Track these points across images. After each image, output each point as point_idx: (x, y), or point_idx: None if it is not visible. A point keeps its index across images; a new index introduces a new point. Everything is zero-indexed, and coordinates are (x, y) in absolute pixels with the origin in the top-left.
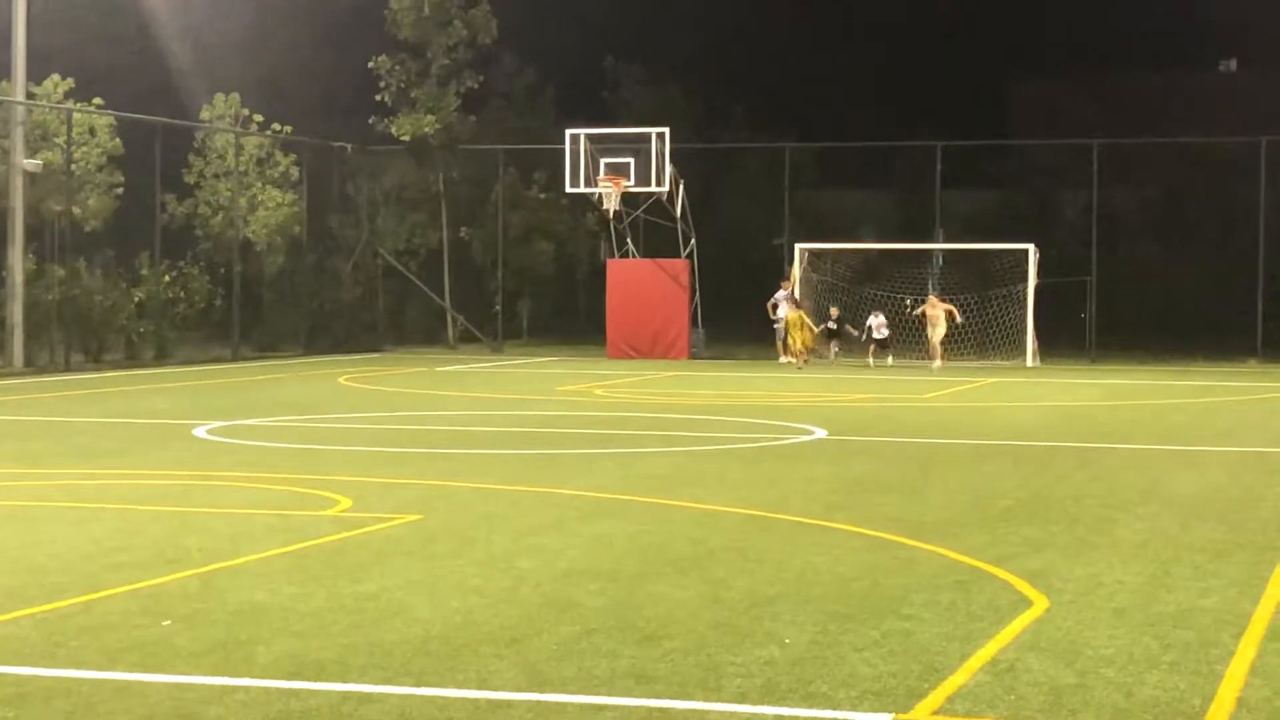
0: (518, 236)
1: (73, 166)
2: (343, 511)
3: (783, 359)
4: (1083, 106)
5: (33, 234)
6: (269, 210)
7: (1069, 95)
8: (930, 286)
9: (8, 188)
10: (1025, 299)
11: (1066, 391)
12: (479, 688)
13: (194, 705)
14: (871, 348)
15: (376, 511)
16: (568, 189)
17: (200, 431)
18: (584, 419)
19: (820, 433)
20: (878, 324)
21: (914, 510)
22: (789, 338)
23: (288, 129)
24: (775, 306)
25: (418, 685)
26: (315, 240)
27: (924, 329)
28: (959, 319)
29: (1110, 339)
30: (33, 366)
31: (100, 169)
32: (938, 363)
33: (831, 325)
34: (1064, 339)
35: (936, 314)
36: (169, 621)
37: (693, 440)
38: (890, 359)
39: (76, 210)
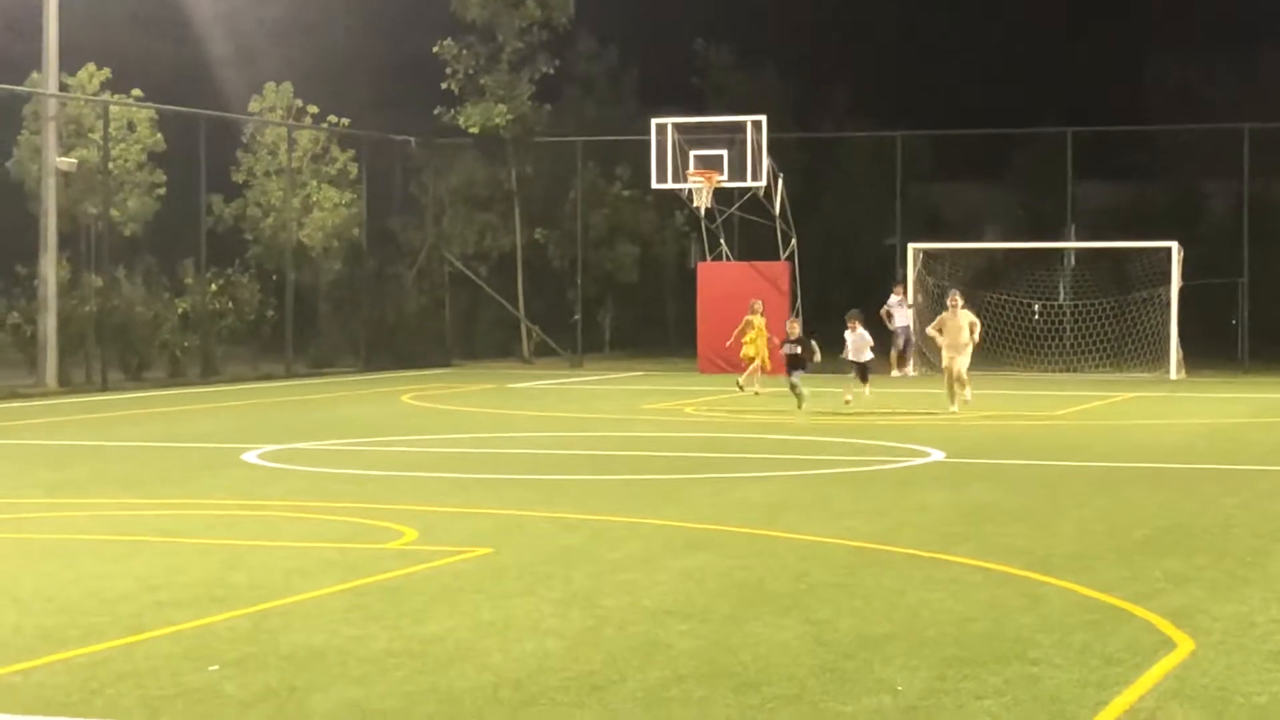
0: (599, 238)
1: (110, 165)
2: (407, 544)
3: (894, 372)
4: (1230, 87)
5: (67, 240)
6: (325, 211)
7: (1214, 75)
8: (1061, 291)
9: (40, 189)
10: (1168, 303)
11: (1214, 407)
12: None
13: None
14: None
15: (443, 544)
16: (654, 185)
17: (250, 456)
18: (673, 441)
19: (936, 454)
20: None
21: (1042, 541)
22: (744, 350)
23: (345, 122)
24: (890, 315)
25: None
26: (376, 244)
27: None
28: (977, 336)
29: (1265, 347)
30: (67, 385)
31: (140, 167)
32: (968, 393)
33: (793, 344)
34: (1212, 348)
35: (959, 324)
36: (216, 666)
37: (793, 464)
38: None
39: (114, 213)
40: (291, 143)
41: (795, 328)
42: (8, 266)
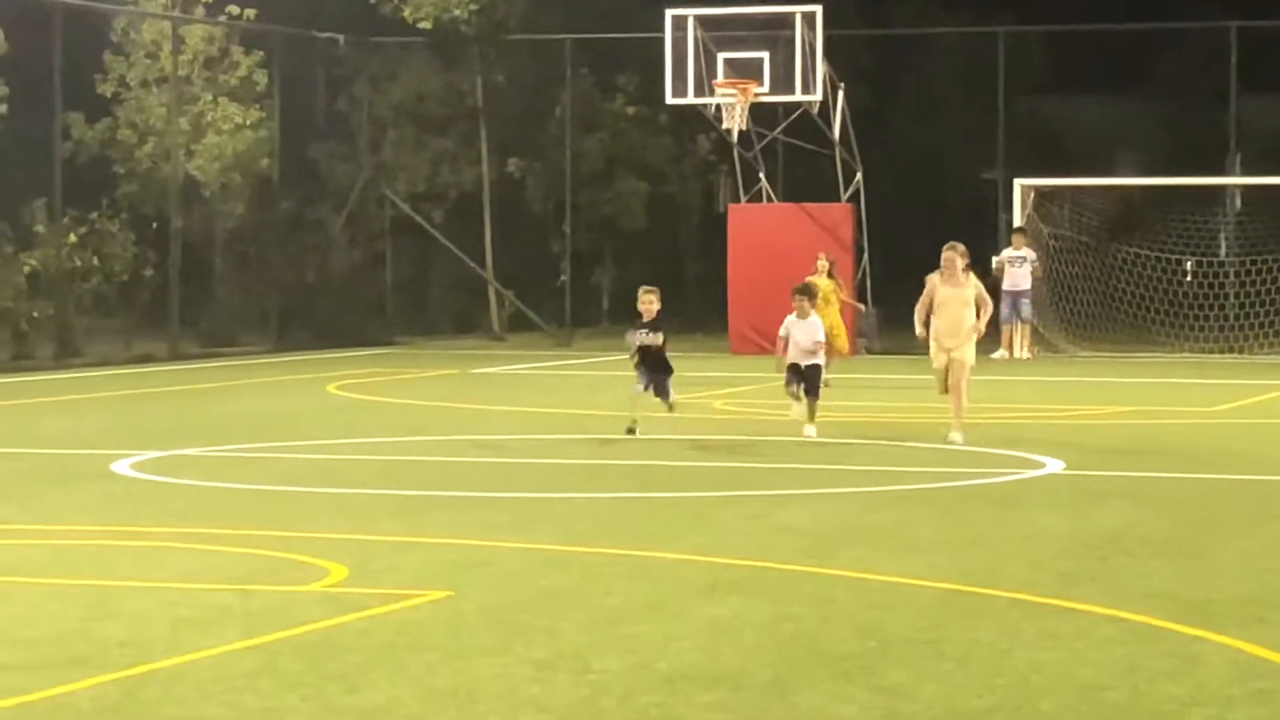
0: (594, 172)
1: None
2: (334, 585)
3: (997, 354)
4: None
5: None
6: (223, 135)
7: None
8: (1222, 243)
9: None
10: None
11: None
12: None
13: None
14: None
15: (383, 586)
16: (669, 99)
17: (121, 466)
18: (696, 446)
19: (1054, 464)
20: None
21: (1196, 582)
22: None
23: (250, 14)
24: (1000, 270)
25: None
26: (292, 180)
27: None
28: (983, 322)
29: None
30: None
31: None
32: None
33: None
34: None
35: (962, 297)
36: None
37: (858, 477)
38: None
39: None
40: (177, 42)
41: (651, 302)
42: None
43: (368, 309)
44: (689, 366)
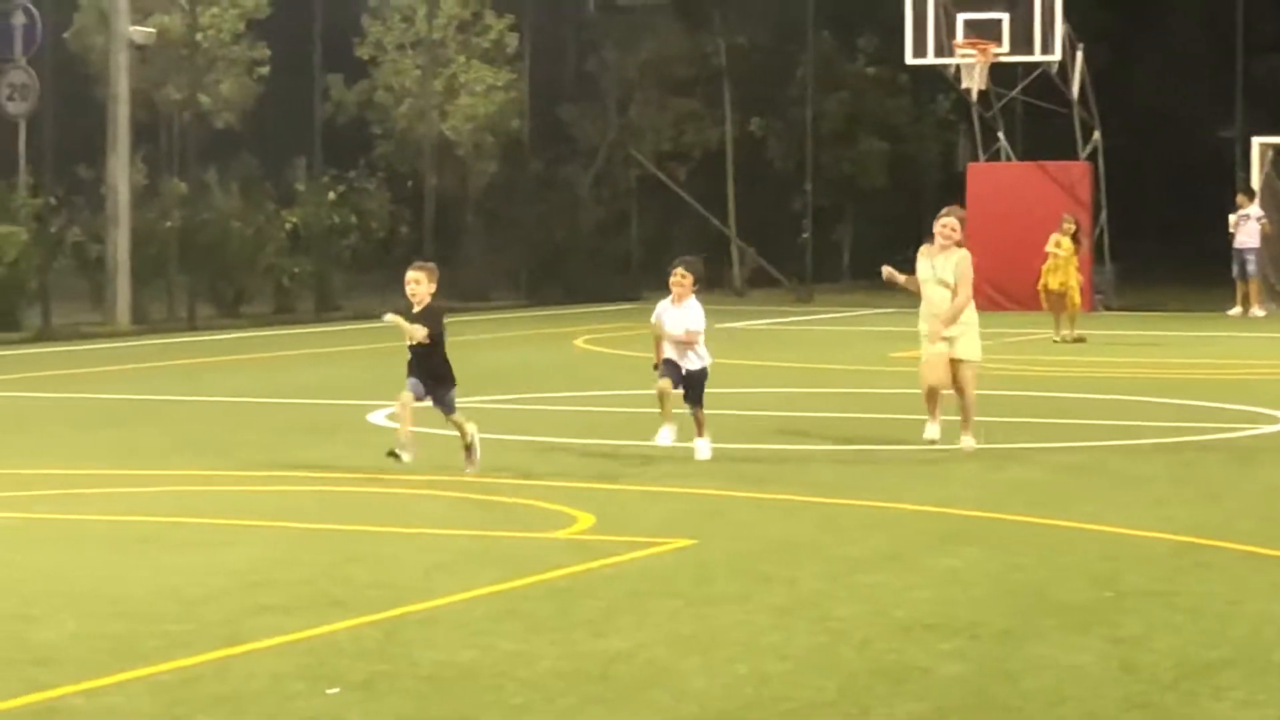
0: (836, 131)
1: (198, 36)
2: (581, 533)
3: (1232, 311)
4: None
5: (144, 134)
6: (475, 97)
7: None
8: None
9: (108, 68)
10: None
11: None
12: None
13: None
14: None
15: (628, 534)
16: (908, 60)
17: (377, 417)
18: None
19: None
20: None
21: None
22: (1043, 280)
23: None
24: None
25: None
26: (542, 140)
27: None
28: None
29: None
30: (144, 323)
31: (237, 39)
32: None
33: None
34: None
35: (947, 273)
36: (337, 689)
37: (1093, 432)
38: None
39: (203, 99)
40: (432, 6)
41: (419, 282)
42: (67, 169)
43: (614, 265)
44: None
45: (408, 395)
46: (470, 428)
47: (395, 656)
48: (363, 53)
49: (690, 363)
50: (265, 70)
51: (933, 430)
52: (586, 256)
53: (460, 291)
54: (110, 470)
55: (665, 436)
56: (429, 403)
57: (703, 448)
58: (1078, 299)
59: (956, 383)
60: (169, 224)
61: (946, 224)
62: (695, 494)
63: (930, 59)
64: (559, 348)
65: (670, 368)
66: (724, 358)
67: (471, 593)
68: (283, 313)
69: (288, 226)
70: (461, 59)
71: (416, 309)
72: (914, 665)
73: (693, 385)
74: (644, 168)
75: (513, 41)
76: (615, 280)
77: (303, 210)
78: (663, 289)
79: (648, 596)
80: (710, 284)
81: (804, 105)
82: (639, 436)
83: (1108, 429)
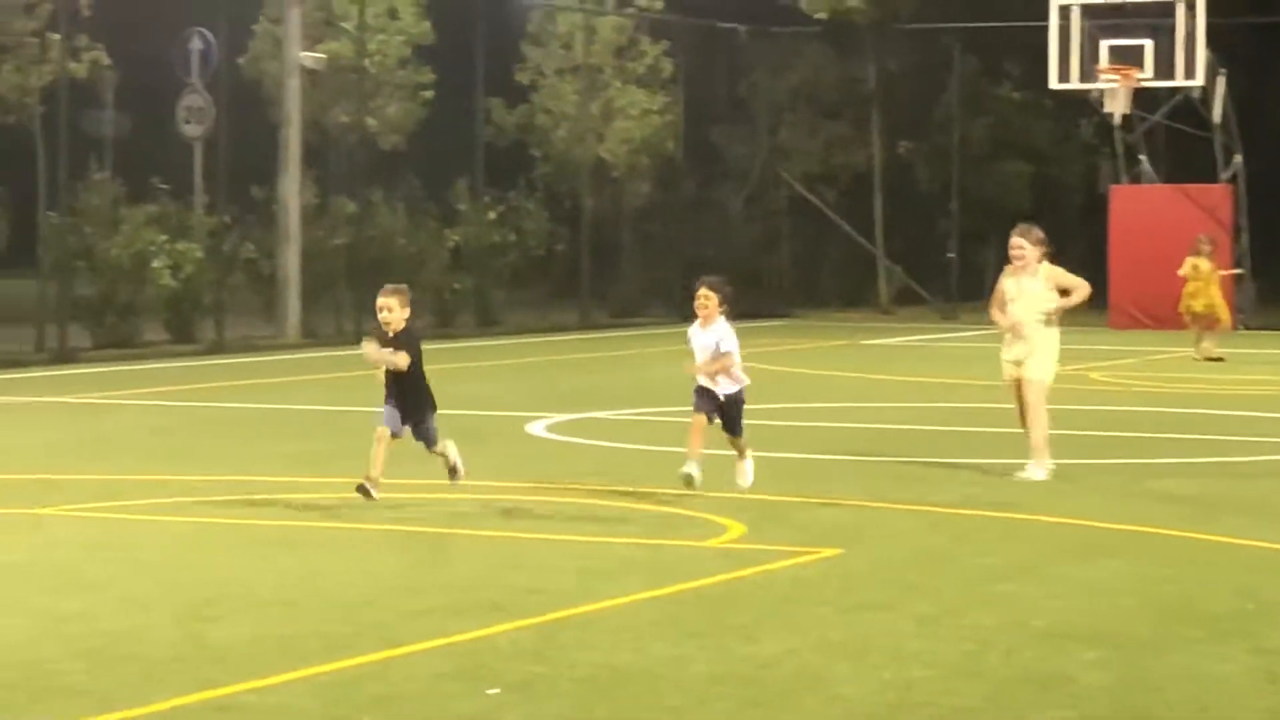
0: (980, 154)
1: (366, 61)
2: (732, 542)
3: None
4: None
5: (313, 155)
6: (631, 120)
7: None
8: None
9: (281, 92)
10: None
11: None
12: None
13: None
14: None
15: (779, 543)
16: (1053, 84)
17: (536, 428)
18: (1074, 416)
19: None
20: None
21: None
22: (1185, 304)
23: (657, 6)
24: None
25: None
26: (694, 162)
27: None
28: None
29: None
30: (312, 336)
31: (403, 64)
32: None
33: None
34: None
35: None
36: (497, 690)
37: (1237, 448)
38: None
39: (371, 122)
40: (590, 33)
41: (391, 309)
42: (241, 189)
43: (765, 283)
44: (1069, 339)
45: (384, 430)
46: (450, 449)
47: (552, 659)
48: (523, 77)
49: (725, 386)
50: (430, 94)
51: (1032, 468)
52: (738, 274)
53: (614, 308)
54: (279, 477)
55: (693, 471)
56: (406, 434)
57: (747, 471)
58: (1226, 316)
59: (1022, 404)
60: (337, 241)
61: (1012, 244)
62: (842, 505)
63: (1074, 84)
64: None
65: (704, 398)
66: (870, 373)
67: (626, 598)
68: (444, 327)
69: (450, 244)
70: (618, 84)
71: (391, 335)
72: (1058, 673)
73: (730, 411)
74: (794, 189)
75: (667, 66)
76: (766, 297)
77: (464, 229)
78: (812, 305)
79: (797, 604)
80: (857, 301)
81: (950, 129)
82: (787, 449)
83: (1249, 445)
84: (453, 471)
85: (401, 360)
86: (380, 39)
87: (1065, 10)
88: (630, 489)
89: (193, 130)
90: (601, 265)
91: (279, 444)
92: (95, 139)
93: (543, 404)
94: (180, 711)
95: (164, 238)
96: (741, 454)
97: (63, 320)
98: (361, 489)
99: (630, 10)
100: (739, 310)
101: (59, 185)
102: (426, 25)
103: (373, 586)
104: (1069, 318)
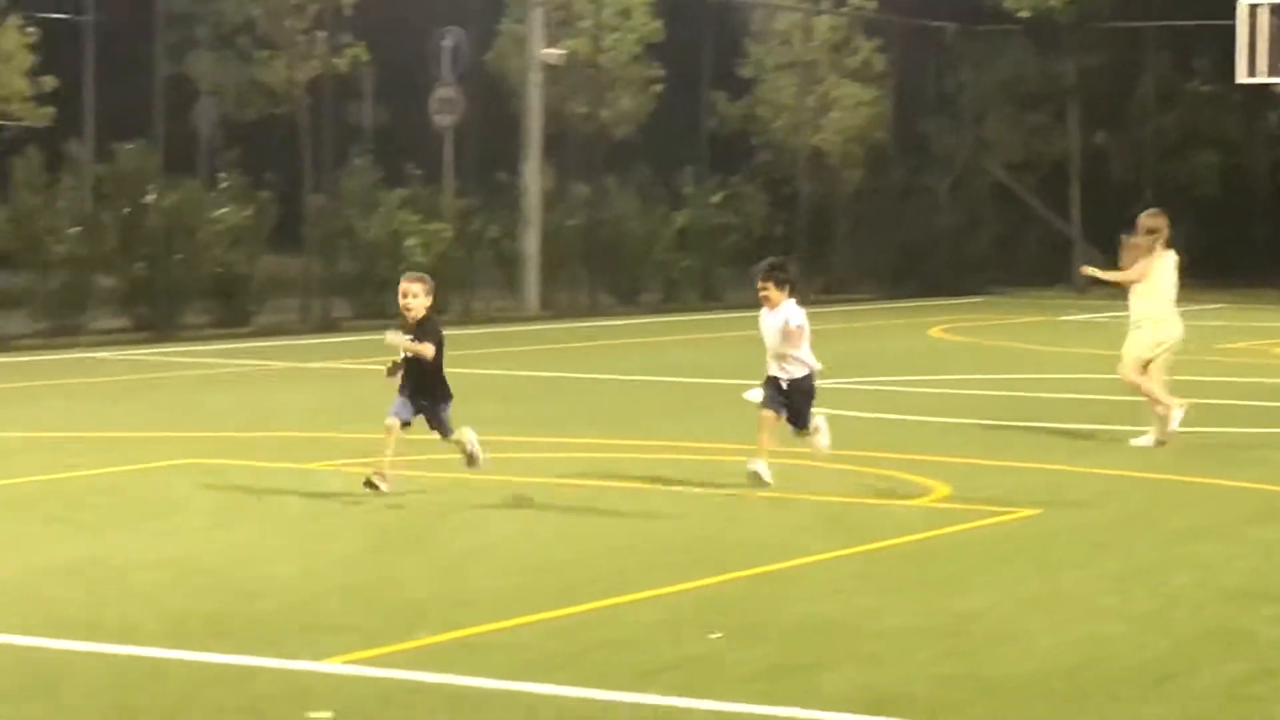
0: (1172, 144)
1: (601, 58)
2: (936, 501)
3: None
4: None
5: (552, 144)
6: (845, 111)
7: None
8: None
9: (523, 86)
10: None
11: None
12: None
13: None
14: None
15: (980, 503)
16: (1240, 78)
17: (755, 394)
18: (1255, 388)
19: None
20: None
21: None
22: None
23: (870, 5)
24: None
25: None
26: (904, 151)
27: None
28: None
29: None
30: (550, 309)
31: (635, 60)
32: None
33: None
34: None
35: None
36: (718, 635)
37: None
38: None
39: (605, 113)
40: (807, 31)
41: (416, 295)
42: (487, 174)
43: (967, 263)
44: (1254, 317)
45: (393, 422)
46: (467, 437)
47: (757, 610)
48: (745, 72)
49: (794, 370)
50: (659, 88)
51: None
52: (942, 255)
53: (827, 285)
54: (521, 438)
55: (761, 470)
56: (417, 423)
57: (821, 440)
58: None
59: (1141, 382)
60: (573, 223)
61: (1147, 227)
62: (1039, 468)
63: (1259, 78)
64: (916, 336)
65: (772, 392)
66: (1066, 346)
67: (833, 553)
68: (671, 302)
69: (676, 226)
70: (833, 77)
71: (413, 322)
72: (1240, 629)
73: (797, 397)
74: (996, 176)
75: (879, 62)
76: (968, 276)
77: (690, 211)
78: (1013, 284)
79: (996, 561)
80: (1055, 281)
81: (1144, 121)
82: (989, 415)
83: None
84: (470, 459)
85: (428, 350)
86: (614, 37)
87: (1254, 9)
88: (841, 452)
89: (443, 120)
90: (816, 246)
91: (521, 406)
92: (355, 128)
93: (760, 373)
94: (434, 649)
95: (417, 218)
96: (815, 432)
97: (326, 293)
98: (369, 483)
99: (845, 9)
100: (941, 288)
101: (322, 171)
102: (657, 24)
103: (601, 539)
104: (1254, 297)
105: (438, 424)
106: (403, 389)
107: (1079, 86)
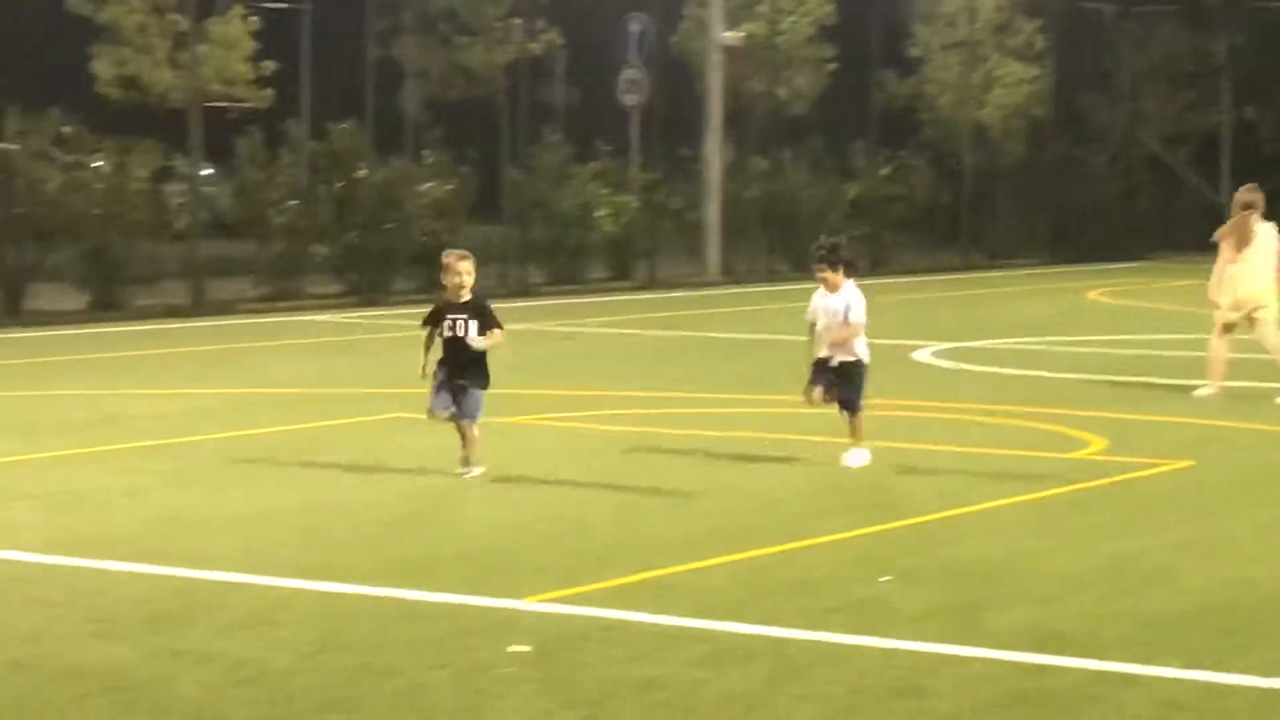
0: None
1: (778, 39)
2: (1095, 454)
3: None
4: None
5: (732, 120)
6: (1007, 88)
7: None
8: None
9: (705, 66)
10: None
11: None
12: (1266, 674)
13: (911, 675)
14: None
15: (1137, 455)
16: None
17: (921, 355)
18: None
19: None
20: None
21: None
22: None
23: None
24: None
25: (1187, 667)
26: (1063, 125)
27: None
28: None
29: None
30: (730, 275)
31: (809, 41)
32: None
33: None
34: None
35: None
36: (888, 577)
37: None
38: None
39: (781, 91)
40: (972, 13)
41: (460, 270)
42: (671, 149)
43: (1124, 230)
44: None
45: (442, 414)
46: (473, 436)
47: (924, 551)
48: (913, 52)
49: (845, 353)
50: (832, 67)
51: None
52: (1100, 222)
53: (990, 251)
54: (707, 394)
55: (855, 458)
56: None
57: (854, 457)
58: None
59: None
60: (751, 194)
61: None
62: (1195, 424)
63: None
64: (1075, 299)
65: (822, 374)
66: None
67: (999, 501)
68: None
69: (848, 196)
70: (996, 56)
71: (464, 299)
72: None
73: (847, 381)
74: (1150, 149)
75: (1040, 42)
76: (1125, 242)
77: (861, 183)
78: (1168, 250)
79: (1152, 509)
80: (1208, 247)
81: None
82: (1146, 373)
83: None
84: (466, 460)
85: (500, 337)
86: (790, 20)
87: None
88: (1005, 407)
89: (630, 100)
90: (979, 215)
91: (706, 366)
92: (549, 108)
93: (926, 333)
94: (625, 588)
95: (605, 191)
96: (855, 437)
97: (522, 260)
98: (461, 475)
99: None
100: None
101: (519, 147)
102: (830, 7)
103: (776, 488)
104: None
105: (464, 406)
106: (446, 367)
107: (1229, 63)
